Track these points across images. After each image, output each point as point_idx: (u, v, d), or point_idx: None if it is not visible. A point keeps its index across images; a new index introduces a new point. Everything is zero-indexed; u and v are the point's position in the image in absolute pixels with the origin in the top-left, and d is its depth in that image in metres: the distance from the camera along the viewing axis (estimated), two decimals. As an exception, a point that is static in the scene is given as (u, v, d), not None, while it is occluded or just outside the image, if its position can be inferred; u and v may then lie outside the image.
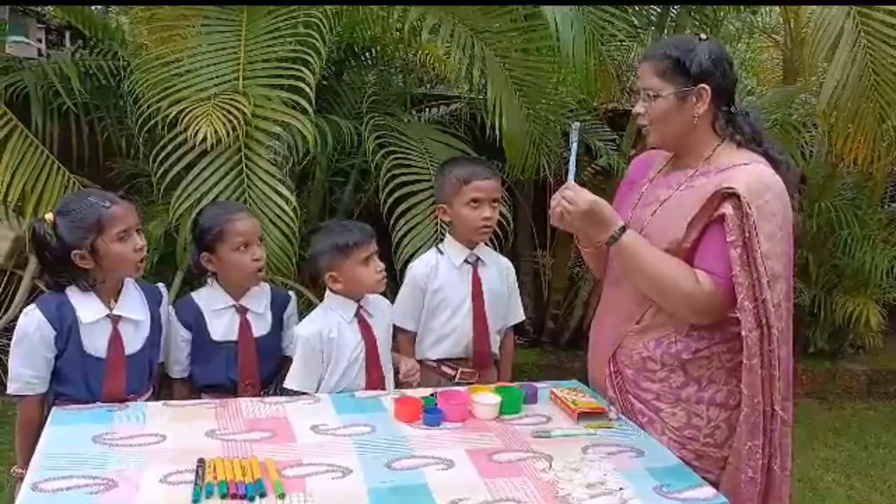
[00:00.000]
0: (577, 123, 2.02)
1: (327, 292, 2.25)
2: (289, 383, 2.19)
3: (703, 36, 1.93)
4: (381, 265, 2.24)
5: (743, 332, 1.76)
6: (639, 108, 1.94)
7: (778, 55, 6.33)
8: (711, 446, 1.89)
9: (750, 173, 1.82)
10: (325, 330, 2.18)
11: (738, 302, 1.75)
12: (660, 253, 1.85)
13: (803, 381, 4.92)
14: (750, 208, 1.74)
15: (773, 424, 1.80)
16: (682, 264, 1.84)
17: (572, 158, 1.93)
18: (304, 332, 2.19)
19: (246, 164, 2.93)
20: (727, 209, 1.77)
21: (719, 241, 1.79)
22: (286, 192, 2.92)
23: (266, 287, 2.34)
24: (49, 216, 2.01)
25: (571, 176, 1.90)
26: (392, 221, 3.41)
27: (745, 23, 5.99)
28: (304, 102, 2.96)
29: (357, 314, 2.23)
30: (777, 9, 5.47)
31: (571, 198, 1.82)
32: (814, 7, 3.80)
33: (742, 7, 4.86)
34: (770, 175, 1.84)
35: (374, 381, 2.22)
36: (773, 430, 1.80)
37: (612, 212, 1.86)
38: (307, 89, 2.97)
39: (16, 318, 2.24)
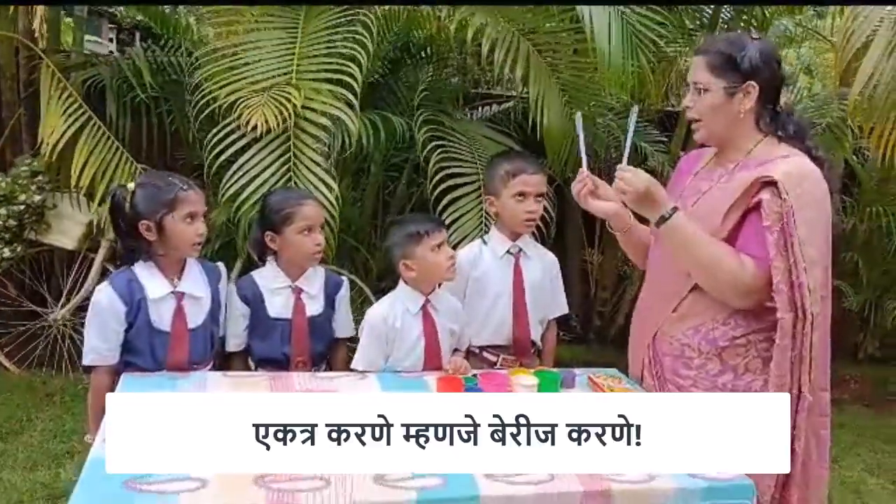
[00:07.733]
0: (636, 107, 2.10)
1: (400, 282, 2.33)
2: (355, 364, 2.28)
3: (755, 35, 2.00)
4: (453, 252, 2.31)
5: (778, 315, 1.81)
6: (687, 100, 2.02)
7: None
8: None
9: (788, 163, 1.88)
10: (390, 318, 2.26)
11: (774, 285, 1.80)
12: (706, 236, 1.90)
13: (852, 387, 4.88)
14: (787, 194, 1.80)
15: (800, 406, 1.84)
16: (727, 247, 1.90)
17: (628, 142, 2.03)
18: (371, 316, 2.28)
19: (294, 154, 3.06)
20: (764, 195, 1.83)
21: (758, 226, 1.84)
22: (330, 181, 3.02)
23: (321, 270, 2.45)
24: (131, 185, 2.16)
25: (626, 157, 2.00)
26: (439, 211, 3.51)
27: (803, 26, 5.94)
28: (350, 96, 3.08)
29: (423, 308, 2.29)
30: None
31: (629, 179, 1.90)
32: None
33: (797, 9, 4.83)
34: (808, 165, 1.89)
35: (432, 370, 2.27)
36: (797, 413, 1.84)
37: (665, 194, 1.93)
38: (354, 84, 3.09)
39: (88, 298, 2.40)
